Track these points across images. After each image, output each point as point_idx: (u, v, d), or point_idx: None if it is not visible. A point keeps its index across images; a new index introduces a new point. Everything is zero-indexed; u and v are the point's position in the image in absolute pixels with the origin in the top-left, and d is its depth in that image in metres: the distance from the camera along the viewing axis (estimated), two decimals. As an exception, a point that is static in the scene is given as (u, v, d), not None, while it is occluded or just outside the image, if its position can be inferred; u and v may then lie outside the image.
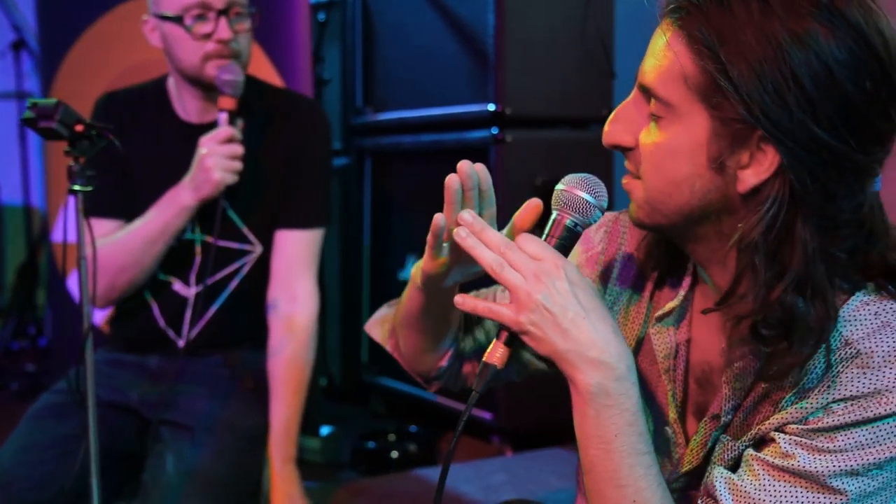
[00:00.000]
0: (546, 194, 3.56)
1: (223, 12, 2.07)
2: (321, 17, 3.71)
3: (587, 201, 1.14)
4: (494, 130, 3.10)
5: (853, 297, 1.09)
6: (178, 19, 2.07)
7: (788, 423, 1.10)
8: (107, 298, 2.18)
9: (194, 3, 2.06)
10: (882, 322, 1.08)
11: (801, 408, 1.09)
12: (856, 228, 1.08)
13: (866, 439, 1.06)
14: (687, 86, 1.07)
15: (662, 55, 1.09)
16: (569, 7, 3.19)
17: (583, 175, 1.16)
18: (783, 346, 1.07)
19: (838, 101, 1.02)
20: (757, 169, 1.06)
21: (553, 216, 1.16)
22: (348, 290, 3.89)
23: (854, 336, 1.08)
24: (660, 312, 1.24)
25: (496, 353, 1.14)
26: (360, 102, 3.80)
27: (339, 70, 3.88)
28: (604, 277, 1.34)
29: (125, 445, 2.12)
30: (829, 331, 1.07)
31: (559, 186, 1.16)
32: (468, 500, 2.78)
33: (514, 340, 1.13)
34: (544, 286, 1.08)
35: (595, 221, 1.16)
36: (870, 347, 1.06)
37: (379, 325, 1.52)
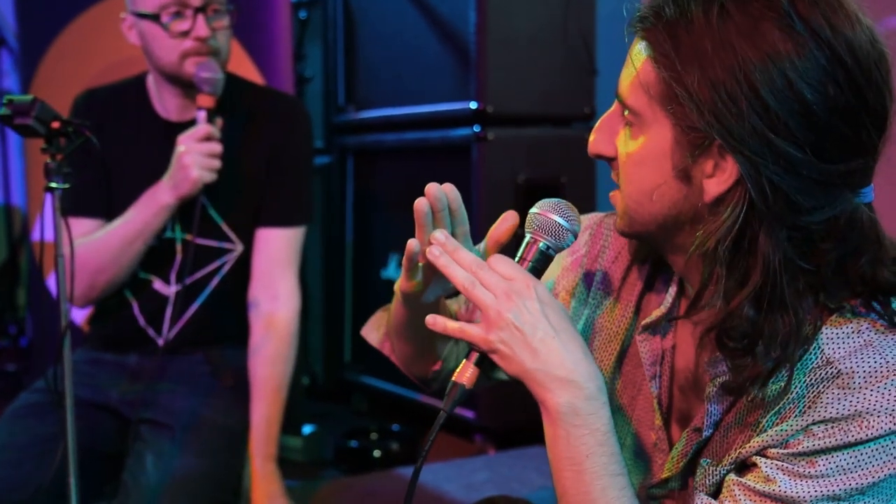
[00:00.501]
0: (528, 192, 3.58)
1: (200, 9, 2.06)
2: (303, 14, 3.69)
3: (561, 225, 1.15)
4: (476, 128, 3.10)
5: (836, 315, 1.07)
6: (155, 17, 2.06)
7: (769, 446, 1.09)
8: (86, 298, 2.17)
9: (171, 1, 2.04)
10: (864, 341, 1.06)
11: (782, 430, 1.08)
12: (837, 241, 1.06)
13: (848, 464, 1.04)
14: (649, 95, 1.07)
15: (631, 65, 1.10)
16: (550, 5, 3.19)
17: (556, 200, 1.17)
18: (746, 359, 1.06)
19: (797, 108, 0.99)
20: (719, 178, 1.05)
21: (526, 239, 1.17)
22: (331, 288, 3.88)
23: (835, 355, 1.06)
24: (647, 321, 1.24)
25: (466, 373, 1.14)
26: (342, 100, 3.80)
27: (321, 68, 3.87)
28: (587, 279, 1.33)
29: (105, 445, 2.11)
30: (795, 347, 1.04)
31: (533, 210, 1.17)
32: (450, 498, 2.78)
33: (484, 360, 1.13)
34: (514, 305, 1.08)
35: (568, 245, 1.17)
36: (850, 368, 1.05)
37: (374, 329, 1.52)
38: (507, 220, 1.20)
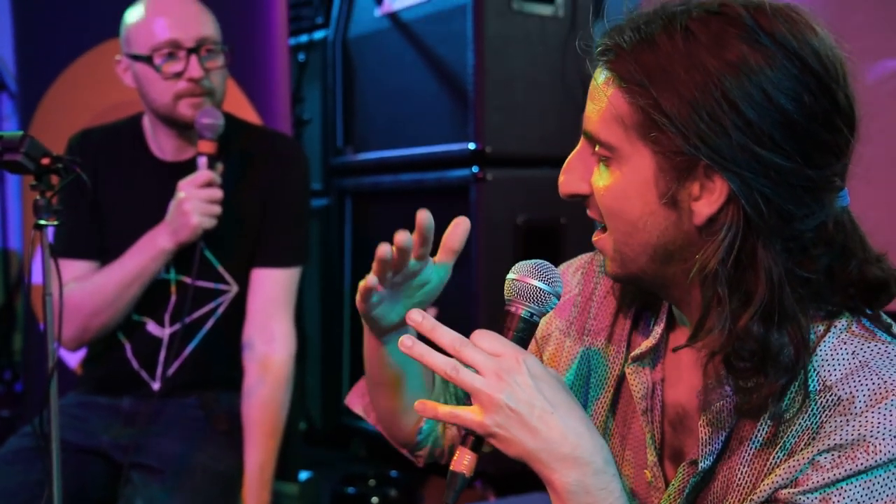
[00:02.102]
0: (527, 233, 3.56)
1: (193, 50, 2.05)
2: (301, 57, 3.71)
3: (541, 289, 1.10)
4: (475, 169, 3.09)
5: (829, 334, 1.06)
6: (148, 59, 2.05)
7: (780, 487, 1.05)
8: (79, 340, 2.14)
9: (164, 42, 2.04)
10: (860, 362, 1.04)
11: (790, 467, 1.04)
12: (826, 247, 1.06)
13: (861, 496, 1.01)
14: (624, 126, 1.06)
15: (598, 99, 1.09)
16: (548, 46, 3.20)
17: (534, 262, 1.13)
18: (759, 378, 1.03)
19: (778, 119, 1.00)
20: (709, 199, 1.04)
21: (507, 308, 1.12)
22: (329, 331, 3.84)
23: (832, 378, 1.04)
24: (635, 352, 1.21)
25: (463, 461, 1.08)
26: (340, 142, 3.79)
27: (319, 110, 3.87)
28: (581, 318, 1.31)
29: (94, 491, 2.07)
30: (805, 358, 1.03)
31: (510, 276, 1.12)
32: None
33: (481, 444, 1.08)
34: (506, 384, 1.03)
35: (552, 308, 1.12)
36: (850, 392, 1.03)
37: (359, 398, 1.48)
38: (458, 225, 1.18)
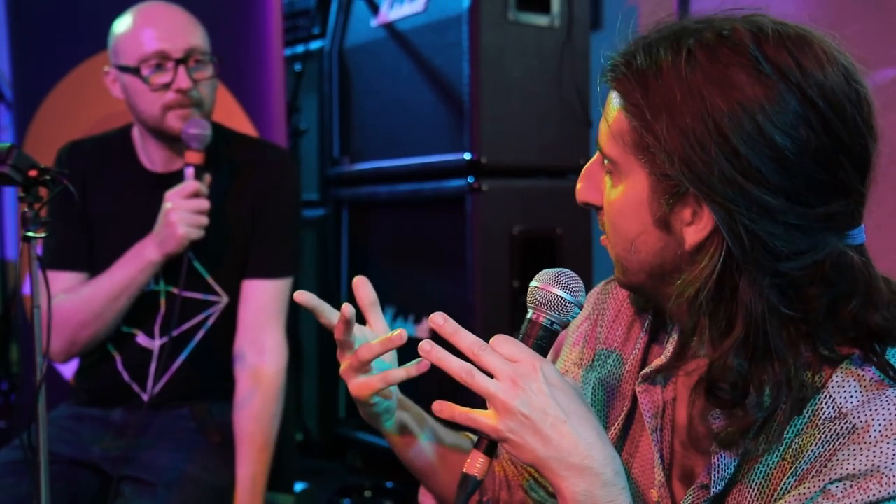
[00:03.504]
0: (523, 244, 3.54)
1: (181, 61, 2.04)
2: (297, 67, 3.70)
3: (564, 299, 1.10)
4: (471, 179, 3.08)
5: (841, 366, 1.04)
6: (135, 70, 2.05)
7: None
8: (67, 353, 2.13)
9: (151, 54, 2.03)
10: (877, 390, 1.01)
11: (800, 494, 1.02)
12: (825, 286, 1.02)
13: None
14: (623, 144, 1.07)
15: (607, 114, 1.10)
16: (544, 56, 3.19)
17: (558, 270, 1.12)
18: (737, 410, 1.03)
19: (768, 154, 0.97)
20: (697, 226, 1.03)
21: (529, 315, 1.12)
22: (325, 342, 3.83)
23: (847, 405, 1.02)
24: (646, 371, 1.20)
25: (476, 463, 1.09)
26: (336, 153, 3.78)
27: (315, 121, 3.87)
28: (591, 344, 1.31)
29: (85, 503, 2.05)
30: (787, 397, 1.01)
31: (534, 283, 1.12)
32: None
33: (495, 449, 1.09)
34: (521, 390, 1.03)
35: (573, 318, 1.12)
36: (866, 421, 1.00)
37: (427, 497, 1.45)
38: (358, 288, 1.25)
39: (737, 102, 0.98)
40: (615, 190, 1.10)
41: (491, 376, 1.05)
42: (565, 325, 1.12)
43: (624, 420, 1.25)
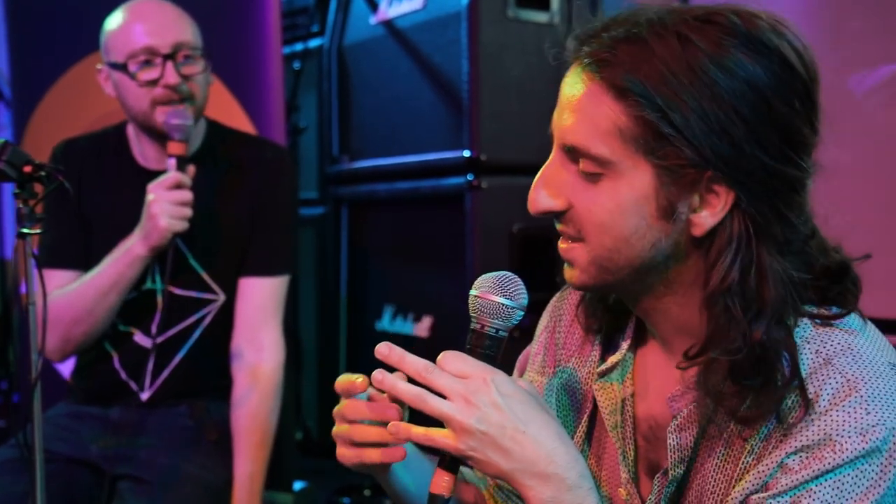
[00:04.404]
0: (523, 241, 3.51)
1: (169, 56, 2.03)
2: (297, 65, 3.70)
3: (505, 305, 1.07)
4: (470, 177, 3.07)
5: (794, 335, 1.05)
6: (123, 67, 2.04)
7: (751, 492, 1.04)
8: (62, 351, 2.12)
9: (139, 49, 2.03)
10: (823, 359, 1.03)
11: (759, 471, 1.03)
12: (805, 244, 1.06)
13: (831, 496, 0.99)
14: (623, 139, 1.03)
15: (586, 111, 1.04)
16: (543, 53, 3.17)
17: (496, 276, 1.09)
18: (765, 386, 1.02)
19: (778, 125, 1.01)
20: (711, 210, 1.03)
21: (472, 326, 1.09)
22: (325, 341, 3.82)
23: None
24: (601, 367, 1.20)
25: (441, 482, 1.08)
26: (336, 151, 3.78)
27: (315, 118, 3.86)
28: (551, 352, 1.31)
29: (83, 501, 2.06)
30: (798, 359, 1.02)
31: (473, 292, 1.09)
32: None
33: (458, 465, 1.08)
34: (475, 407, 1.02)
35: (518, 321, 1.09)
36: (815, 392, 1.02)
37: None
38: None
39: (744, 82, 0.99)
40: (602, 191, 1.05)
41: (444, 397, 1.04)
42: (512, 329, 1.10)
43: (588, 422, 1.24)
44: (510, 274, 1.10)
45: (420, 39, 3.30)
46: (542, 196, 1.09)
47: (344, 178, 3.74)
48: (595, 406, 1.23)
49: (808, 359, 1.04)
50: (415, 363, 1.06)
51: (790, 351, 1.02)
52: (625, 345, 1.19)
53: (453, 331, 3.12)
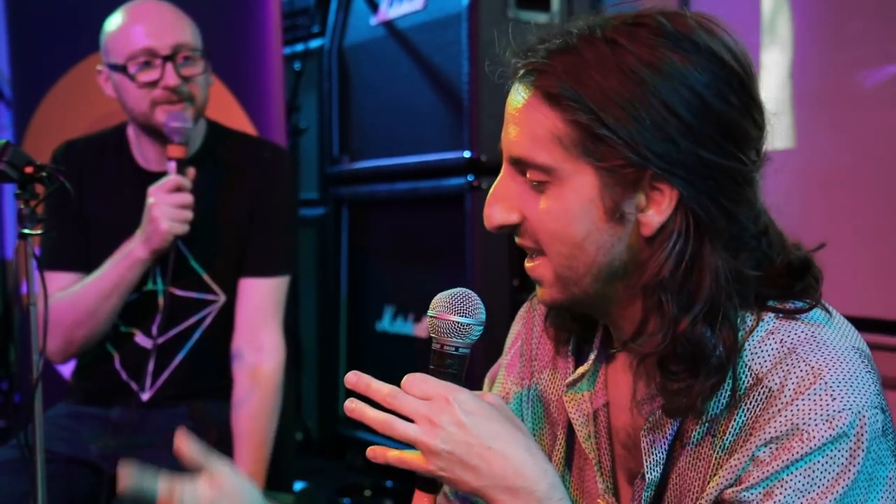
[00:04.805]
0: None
1: (169, 58, 2.04)
2: (297, 66, 3.70)
3: (462, 323, 1.08)
4: (470, 177, 3.08)
5: (758, 328, 1.06)
6: (123, 68, 2.04)
7: (725, 487, 1.05)
8: (64, 353, 2.13)
9: (139, 51, 2.03)
10: (787, 349, 1.04)
11: (732, 466, 1.04)
12: (758, 241, 1.08)
13: (803, 485, 1.00)
14: (563, 145, 1.04)
15: (526, 122, 1.06)
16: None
17: (451, 294, 1.10)
18: (690, 380, 1.04)
19: (714, 120, 1.02)
20: (657, 208, 1.04)
21: (433, 347, 1.10)
22: (325, 341, 3.83)
23: (762, 369, 1.04)
24: (570, 379, 1.20)
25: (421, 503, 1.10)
26: (336, 151, 3.78)
27: (315, 119, 3.87)
28: (527, 363, 1.30)
29: (83, 501, 2.06)
30: (734, 357, 1.04)
31: (430, 313, 1.10)
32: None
33: (434, 484, 1.09)
34: (439, 429, 1.03)
35: (478, 336, 1.10)
36: (780, 382, 1.03)
37: None
38: (181, 449, 1.21)
39: (674, 78, 1.01)
40: (550, 198, 1.06)
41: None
42: (472, 345, 1.10)
43: (567, 434, 1.24)
44: (465, 290, 1.11)
45: (420, 40, 3.31)
46: (496, 211, 1.11)
47: (344, 178, 3.75)
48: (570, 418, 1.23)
49: (772, 349, 1.05)
50: (380, 390, 1.07)
51: (726, 347, 1.03)
52: (592, 355, 1.19)
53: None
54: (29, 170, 1.57)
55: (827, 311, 1.10)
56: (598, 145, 1.02)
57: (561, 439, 1.25)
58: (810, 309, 1.08)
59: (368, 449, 1.09)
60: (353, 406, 1.08)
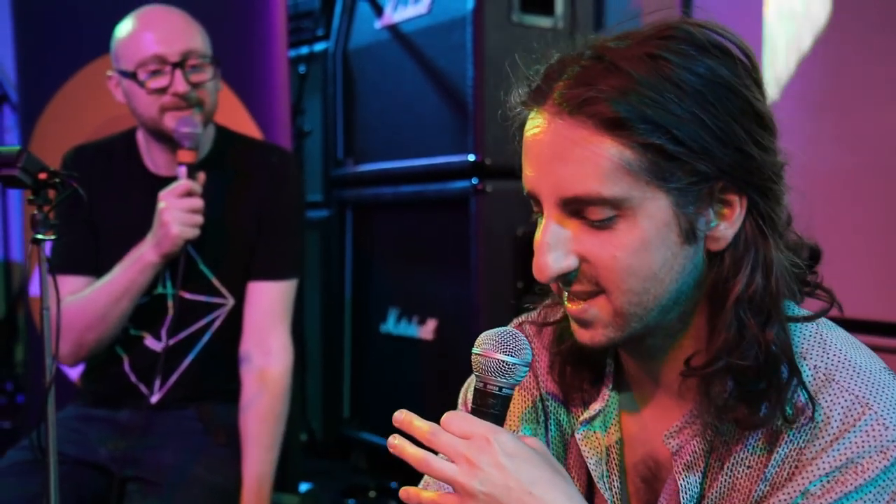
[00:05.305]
0: (527, 245, 3.53)
1: (178, 65, 2.05)
2: (302, 69, 3.71)
3: (508, 363, 1.04)
4: (475, 181, 3.09)
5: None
6: (133, 75, 2.06)
7: None
8: (75, 356, 2.14)
9: (149, 58, 2.04)
10: (824, 376, 1.02)
11: (779, 500, 1.01)
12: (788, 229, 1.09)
13: None
14: (631, 173, 0.99)
15: (583, 155, 1.00)
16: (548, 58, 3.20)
17: (497, 332, 1.06)
18: (770, 388, 1.02)
19: (757, 118, 1.02)
20: (728, 220, 1.03)
21: (475, 385, 1.06)
22: (329, 343, 3.84)
23: (801, 400, 1.02)
24: (584, 416, 1.17)
25: None
26: (341, 154, 3.79)
27: (320, 122, 3.87)
28: (541, 400, 1.25)
29: (92, 503, 2.06)
30: (794, 360, 1.03)
31: (475, 350, 1.06)
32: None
33: None
34: (479, 470, 0.98)
35: (522, 378, 1.05)
36: (825, 414, 1.01)
37: None
38: None
39: (719, 83, 1.01)
40: (621, 233, 1.01)
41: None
42: (516, 386, 1.06)
43: (587, 472, 1.20)
44: (511, 329, 1.07)
45: (425, 44, 3.32)
46: (553, 259, 1.03)
47: (349, 181, 3.76)
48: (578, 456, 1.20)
49: (808, 375, 1.03)
50: (421, 427, 1.03)
51: (788, 350, 1.03)
52: (606, 391, 1.16)
53: (458, 334, 3.14)
54: (43, 176, 1.58)
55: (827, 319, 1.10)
56: (671, 165, 0.98)
57: (580, 479, 1.22)
58: (818, 316, 1.07)
59: (401, 490, 1.05)
60: (395, 442, 1.03)
